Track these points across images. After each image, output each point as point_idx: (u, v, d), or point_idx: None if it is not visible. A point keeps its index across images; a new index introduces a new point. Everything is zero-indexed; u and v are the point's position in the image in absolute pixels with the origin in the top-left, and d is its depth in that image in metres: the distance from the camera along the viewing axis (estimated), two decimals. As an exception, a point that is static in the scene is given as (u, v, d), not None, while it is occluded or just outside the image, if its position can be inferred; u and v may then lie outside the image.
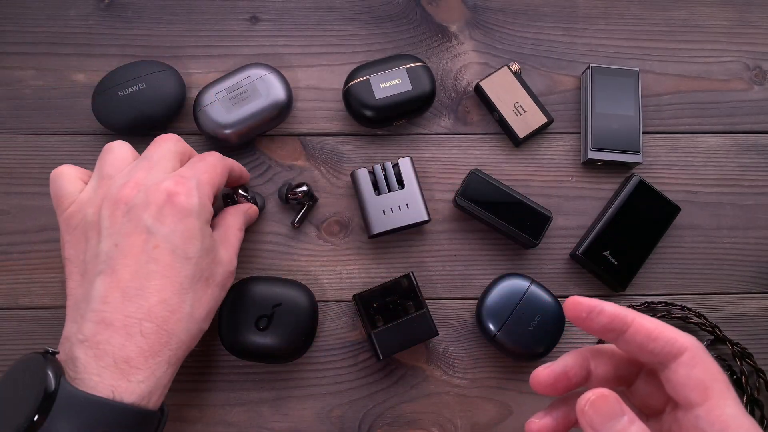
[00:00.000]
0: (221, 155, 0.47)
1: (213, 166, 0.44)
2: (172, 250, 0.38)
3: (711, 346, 0.54)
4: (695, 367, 0.26)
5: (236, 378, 0.52)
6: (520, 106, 0.57)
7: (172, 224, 0.38)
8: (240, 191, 0.51)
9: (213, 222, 0.45)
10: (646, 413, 0.31)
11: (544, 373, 0.30)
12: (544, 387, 0.30)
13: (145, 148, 0.56)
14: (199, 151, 0.57)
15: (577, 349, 0.32)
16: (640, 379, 0.31)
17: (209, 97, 0.53)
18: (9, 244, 0.54)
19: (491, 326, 0.50)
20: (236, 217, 0.48)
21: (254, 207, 0.52)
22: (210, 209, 0.42)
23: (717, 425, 0.25)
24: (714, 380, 0.26)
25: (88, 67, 0.58)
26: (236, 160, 0.56)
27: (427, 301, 0.52)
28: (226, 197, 0.53)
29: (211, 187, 0.42)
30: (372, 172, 0.54)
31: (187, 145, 0.46)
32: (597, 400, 0.26)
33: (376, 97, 0.54)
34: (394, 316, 0.50)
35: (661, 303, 0.55)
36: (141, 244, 0.37)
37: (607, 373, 0.31)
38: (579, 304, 0.29)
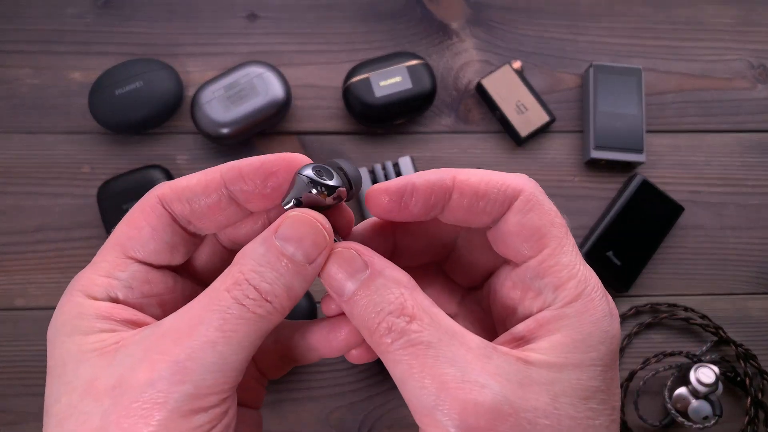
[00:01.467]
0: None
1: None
2: None
3: (715, 348, 0.54)
4: (529, 212, 0.21)
5: (234, 380, 0.52)
6: (522, 104, 0.56)
7: None
8: (309, 174, 0.21)
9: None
10: (469, 287, 0.26)
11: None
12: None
13: (141, 147, 0.56)
14: (197, 149, 0.57)
15: (377, 220, 0.24)
16: (458, 244, 0.25)
17: (207, 95, 0.52)
18: (5, 244, 0.53)
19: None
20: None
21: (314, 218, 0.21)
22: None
23: (549, 277, 0.20)
24: (552, 225, 0.21)
25: (85, 66, 0.57)
26: (234, 159, 0.56)
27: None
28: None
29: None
30: (372, 172, 0.53)
31: None
32: (332, 258, 0.20)
33: (376, 96, 0.53)
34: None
35: (665, 304, 0.54)
36: None
37: (415, 247, 0.25)
38: (385, 192, 0.21)
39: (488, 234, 0.23)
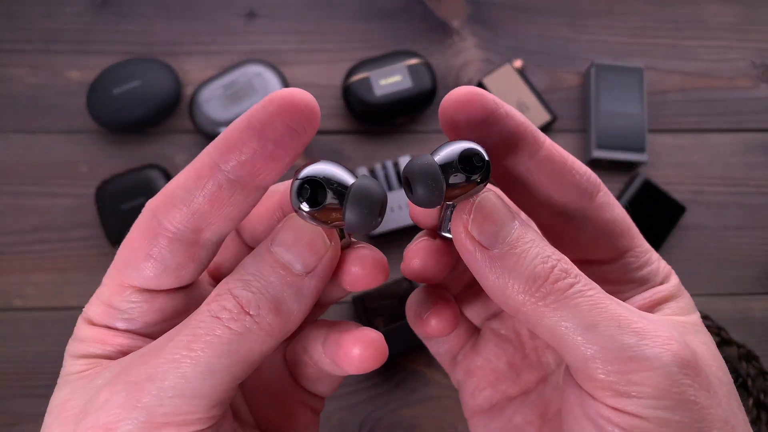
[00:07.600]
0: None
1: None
2: None
3: (717, 348, 0.53)
4: (615, 206, 0.20)
5: (234, 381, 0.51)
6: (523, 103, 0.56)
7: None
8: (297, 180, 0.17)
9: None
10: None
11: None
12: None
13: (139, 146, 0.55)
14: (195, 148, 0.56)
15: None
16: None
17: (205, 94, 0.52)
18: (2, 244, 0.53)
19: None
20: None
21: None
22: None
23: (650, 266, 0.20)
24: (629, 218, 0.21)
25: (83, 65, 0.57)
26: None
27: (428, 302, 0.51)
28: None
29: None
30: (372, 171, 0.53)
31: None
32: (480, 204, 0.18)
33: (376, 95, 0.53)
34: (394, 318, 0.49)
35: (667, 304, 0.54)
36: None
37: None
38: (481, 96, 0.18)
39: (569, 227, 0.21)
